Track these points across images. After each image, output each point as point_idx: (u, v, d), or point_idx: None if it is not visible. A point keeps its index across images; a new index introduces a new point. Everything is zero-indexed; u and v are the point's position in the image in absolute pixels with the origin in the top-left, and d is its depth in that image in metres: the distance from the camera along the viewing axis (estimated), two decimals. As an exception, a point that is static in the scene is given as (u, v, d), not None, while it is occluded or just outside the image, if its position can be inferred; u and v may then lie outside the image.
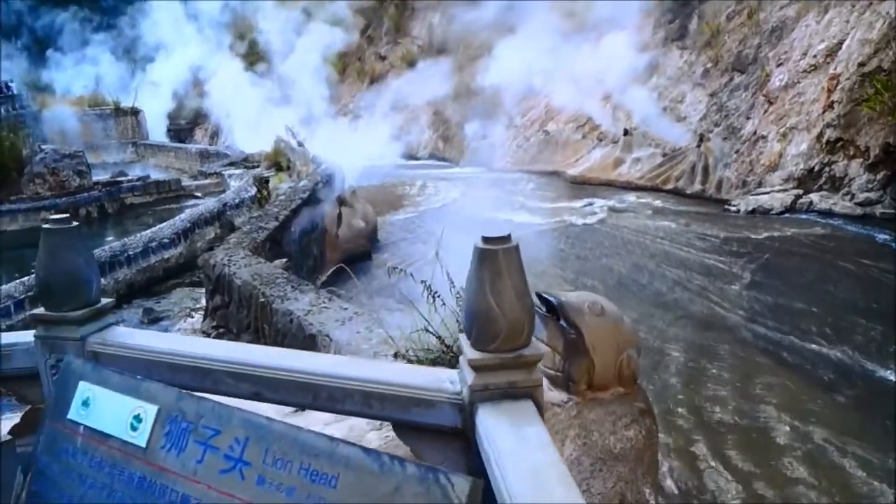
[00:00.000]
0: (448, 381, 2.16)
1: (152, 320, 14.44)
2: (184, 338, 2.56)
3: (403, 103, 33.96)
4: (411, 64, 36.13)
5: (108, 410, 2.32)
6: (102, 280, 14.44)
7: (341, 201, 18.38)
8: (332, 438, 1.92)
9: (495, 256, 2.02)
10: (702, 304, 12.87)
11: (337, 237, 17.52)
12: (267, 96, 33.53)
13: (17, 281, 14.25)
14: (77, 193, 20.49)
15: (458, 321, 5.26)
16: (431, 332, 5.59)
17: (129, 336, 2.58)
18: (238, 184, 21.69)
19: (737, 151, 20.41)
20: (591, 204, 20.60)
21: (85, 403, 2.37)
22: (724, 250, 15.62)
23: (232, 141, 32.10)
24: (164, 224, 17.85)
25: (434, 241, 17.59)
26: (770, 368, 10.42)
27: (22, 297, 13.82)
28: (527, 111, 28.94)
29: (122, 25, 47.97)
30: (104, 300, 2.64)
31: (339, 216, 17.83)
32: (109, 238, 18.90)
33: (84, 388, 2.39)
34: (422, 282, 5.63)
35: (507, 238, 2.04)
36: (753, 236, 16.36)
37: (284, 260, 12.49)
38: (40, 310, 2.59)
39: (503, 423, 1.94)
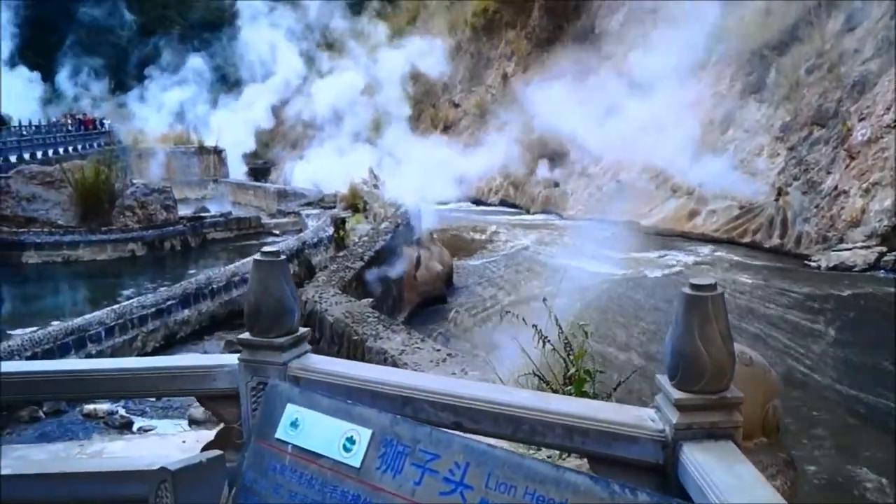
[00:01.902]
0: (649, 419, 2.28)
1: (233, 353, 14.68)
2: (383, 367, 2.74)
3: (474, 149, 34.34)
4: (484, 112, 36.61)
5: (319, 432, 2.49)
6: (186, 311, 14.95)
7: (420, 244, 18.67)
8: (557, 466, 2.05)
9: (704, 303, 2.16)
10: (786, 362, 12.71)
11: (415, 279, 17.75)
12: (346, 133, 34.34)
13: (108, 308, 14.71)
14: (163, 227, 21.16)
15: (565, 364, 5.35)
16: (538, 377, 5.69)
17: (329, 363, 2.76)
18: (316, 223, 22.11)
19: (817, 206, 20.17)
20: (665, 255, 20.52)
21: (294, 424, 2.55)
22: (806, 307, 15.41)
23: (306, 180, 32.72)
24: (246, 260, 18.26)
25: (509, 286, 17.66)
26: (860, 429, 10.25)
27: (112, 324, 14.22)
28: (599, 160, 29.03)
29: (212, 54, 49.97)
30: (301, 329, 2.83)
31: (418, 259, 18.08)
32: (192, 271, 19.42)
33: (292, 410, 2.57)
34: (533, 326, 5.74)
35: (714, 286, 2.18)
36: (836, 293, 16.11)
37: (371, 300, 12.73)
38: (245, 335, 2.80)
39: (712, 461, 2.06)
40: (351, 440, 2.42)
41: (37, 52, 50.64)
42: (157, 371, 2.93)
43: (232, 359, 2.82)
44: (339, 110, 37.38)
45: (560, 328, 5.53)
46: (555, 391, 5.57)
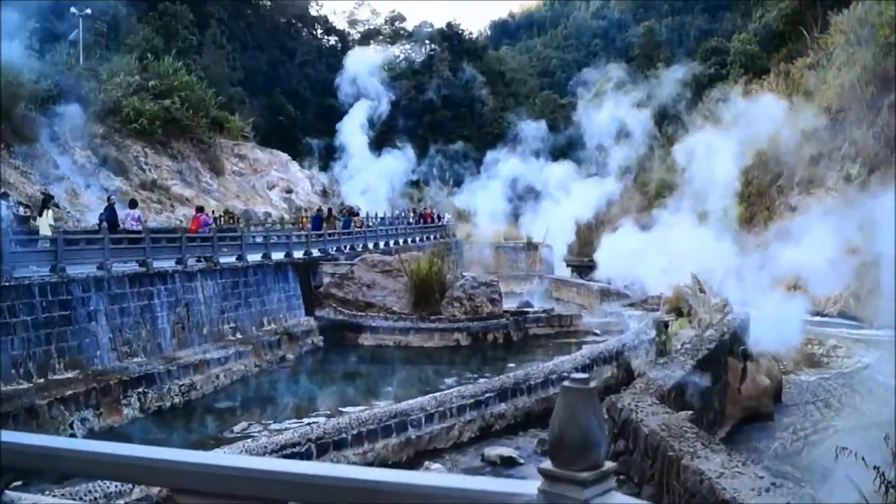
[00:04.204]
0: None
1: (545, 452, 14.49)
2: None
3: (810, 255, 31.83)
4: (826, 216, 33.97)
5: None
6: (503, 405, 15.07)
7: (746, 355, 17.42)
8: None
9: None
10: None
11: (739, 392, 16.52)
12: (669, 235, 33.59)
13: (430, 396, 15.27)
14: (488, 319, 21.94)
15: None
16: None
17: (635, 507, 2.43)
18: (637, 325, 21.63)
19: None
20: None
21: (592, 576, 2.24)
22: None
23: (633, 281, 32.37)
24: (565, 358, 18.29)
25: (844, 409, 15.69)
26: None
27: (433, 411, 14.66)
28: (963, 273, 25.42)
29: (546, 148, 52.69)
30: (608, 464, 2.54)
31: (743, 370, 16.86)
32: (511, 364, 19.76)
33: (591, 559, 2.27)
34: (874, 468, 4.97)
35: None
36: None
37: (689, 412, 11.95)
38: (547, 464, 2.55)
39: None
40: None
41: (396, 140, 56.38)
42: (453, 491, 2.76)
43: (531, 487, 2.57)
44: (670, 195, 36.78)
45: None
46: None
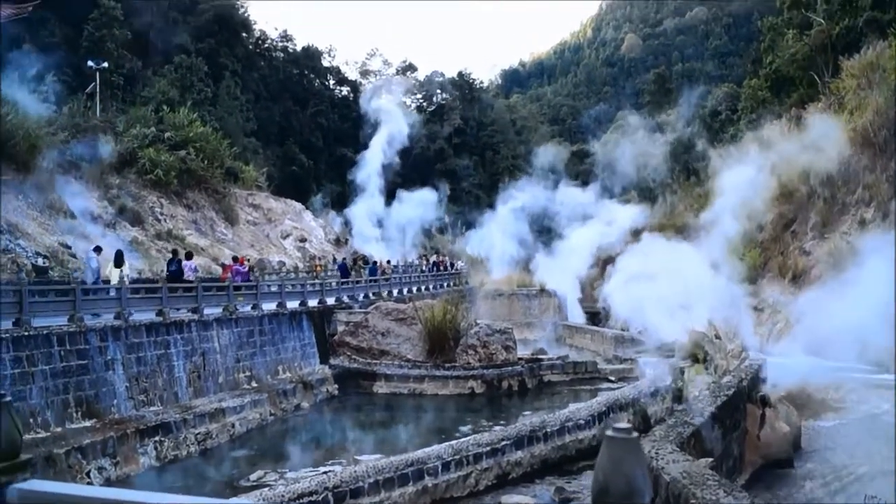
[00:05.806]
0: None
1: (563, 500, 14.38)
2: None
3: (824, 300, 31.64)
4: (838, 261, 33.86)
5: None
6: (519, 452, 14.94)
7: (764, 401, 17.28)
8: None
9: None
10: None
11: (758, 439, 16.36)
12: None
13: (447, 444, 15.17)
14: (503, 366, 21.86)
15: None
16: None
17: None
18: (653, 372, 21.50)
19: None
20: None
21: None
22: None
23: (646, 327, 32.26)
24: (581, 405, 18.16)
25: (863, 455, 15.54)
26: None
27: (449, 459, 14.53)
28: None
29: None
30: (651, 512, 2.56)
31: (762, 417, 16.71)
32: (527, 412, 19.63)
33: None
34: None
35: None
36: None
37: (710, 459, 11.84)
38: (591, 512, 2.58)
39: None
40: None
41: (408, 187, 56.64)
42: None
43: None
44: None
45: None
46: None
